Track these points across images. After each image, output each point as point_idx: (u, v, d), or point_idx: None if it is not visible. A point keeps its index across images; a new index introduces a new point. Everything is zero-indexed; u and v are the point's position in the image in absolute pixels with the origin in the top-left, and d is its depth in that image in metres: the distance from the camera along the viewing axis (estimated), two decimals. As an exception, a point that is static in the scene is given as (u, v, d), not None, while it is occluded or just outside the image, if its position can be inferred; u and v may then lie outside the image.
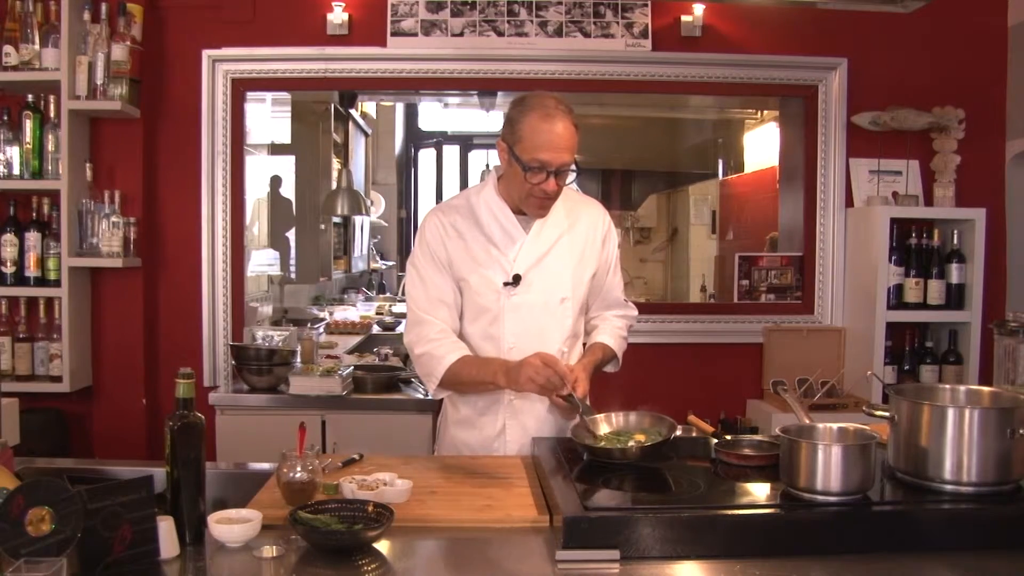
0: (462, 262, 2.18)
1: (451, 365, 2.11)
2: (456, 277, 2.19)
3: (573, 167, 2.09)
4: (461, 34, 3.61)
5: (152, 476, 1.52)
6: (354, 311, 5.11)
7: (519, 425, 2.20)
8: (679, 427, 2.02)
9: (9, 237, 3.32)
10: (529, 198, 2.10)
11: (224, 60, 3.57)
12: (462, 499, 1.80)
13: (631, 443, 1.89)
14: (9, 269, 3.31)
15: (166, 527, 1.48)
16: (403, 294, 2.55)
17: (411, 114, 7.17)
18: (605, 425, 2.02)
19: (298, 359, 3.51)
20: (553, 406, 2.17)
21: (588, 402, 2.06)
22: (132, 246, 3.43)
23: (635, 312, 2.39)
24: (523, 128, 2.06)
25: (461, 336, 2.21)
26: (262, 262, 4.29)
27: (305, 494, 1.71)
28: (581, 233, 2.24)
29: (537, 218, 2.17)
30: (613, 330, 2.31)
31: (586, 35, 3.63)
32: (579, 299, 2.24)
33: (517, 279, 2.16)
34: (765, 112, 4.90)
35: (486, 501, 1.78)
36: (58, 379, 3.32)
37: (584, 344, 2.31)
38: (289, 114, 4.68)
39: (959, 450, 1.62)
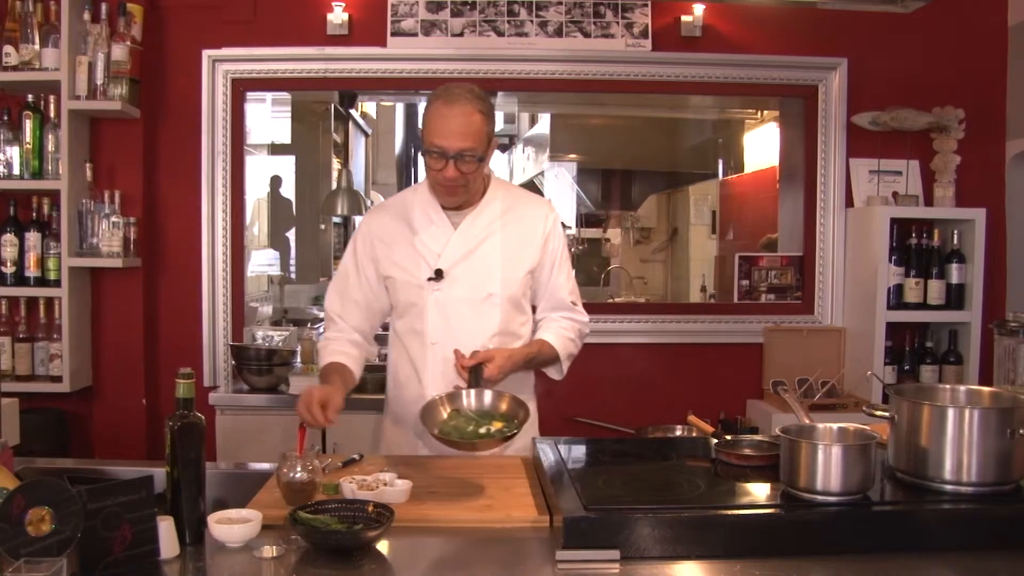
0: (388, 259, 2.21)
1: (322, 369, 2.22)
2: (383, 274, 2.23)
3: (479, 156, 2.06)
4: (461, 34, 3.61)
5: (152, 476, 1.52)
6: (354, 311, 5.10)
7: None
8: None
9: (9, 237, 3.31)
10: (436, 186, 2.13)
11: (224, 60, 3.57)
12: (462, 499, 1.80)
13: (481, 429, 1.90)
14: (9, 269, 3.31)
15: (166, 527, 1.48)
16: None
17: (411, 114, 7.15)
18: (466, 400, 1.99)
19: (298, 359, 3.51)
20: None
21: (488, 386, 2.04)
22: (132, 246, 3.43)
23: (585, 318, 2.31)
24: (427, 115, 2.09)
25: (390, 331, 2.29)
26: (262, 262, 4.28)
27: (305, 494, 1.71)
28: (518, 231, 2.21)
29: (447, 206, 2.18)
30: (557, 330, 2.25)
31: (586, 35, 3.63)
32: (509, 296, 2.20)
33: (439, 274, 2.16)
34: (765, 112, 4.89)
35: (486, 501, 1.78)
36: (58, 379, 3.31)
37: None
38: (289, 114, 4.68)
39: (959, 450, 1.62)
